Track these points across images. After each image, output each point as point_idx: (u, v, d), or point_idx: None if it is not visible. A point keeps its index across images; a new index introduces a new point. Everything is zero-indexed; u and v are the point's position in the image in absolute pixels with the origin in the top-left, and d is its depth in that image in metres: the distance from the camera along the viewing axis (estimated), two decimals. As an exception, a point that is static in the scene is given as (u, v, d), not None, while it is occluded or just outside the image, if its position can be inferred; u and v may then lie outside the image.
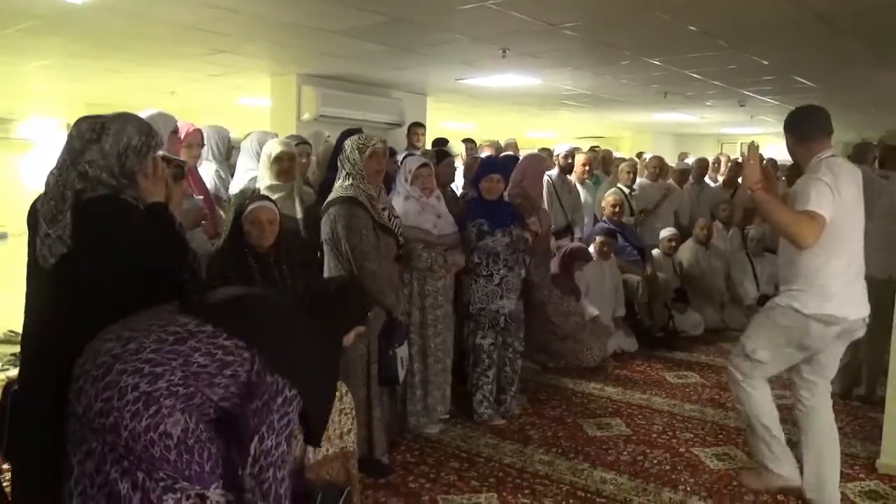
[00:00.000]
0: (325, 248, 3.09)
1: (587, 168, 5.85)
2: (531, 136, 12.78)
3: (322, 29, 4.69)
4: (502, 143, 6.92)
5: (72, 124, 2.08)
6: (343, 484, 2.46)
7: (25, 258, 2.04)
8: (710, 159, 7.56)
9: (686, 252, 5.96)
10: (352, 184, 3.04)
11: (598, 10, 4.11)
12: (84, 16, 4.41)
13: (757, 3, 3.86)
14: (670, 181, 6.52)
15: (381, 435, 3.12)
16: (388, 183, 3.50)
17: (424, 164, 3.48)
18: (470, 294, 3.64)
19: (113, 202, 1.98)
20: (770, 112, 8.59)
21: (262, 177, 3.53)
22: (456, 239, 3.52)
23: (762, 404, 2.77)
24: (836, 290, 2.54)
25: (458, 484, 3.01)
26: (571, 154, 5.64)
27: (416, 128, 6.11)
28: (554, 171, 5.44)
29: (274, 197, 3.36)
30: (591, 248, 5.04)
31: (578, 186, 5.72)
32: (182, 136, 3.48)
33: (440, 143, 5.83)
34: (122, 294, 1.94)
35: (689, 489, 3.00)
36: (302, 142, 4.25)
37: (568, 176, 5.61)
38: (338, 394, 2.39)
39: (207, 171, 3.92)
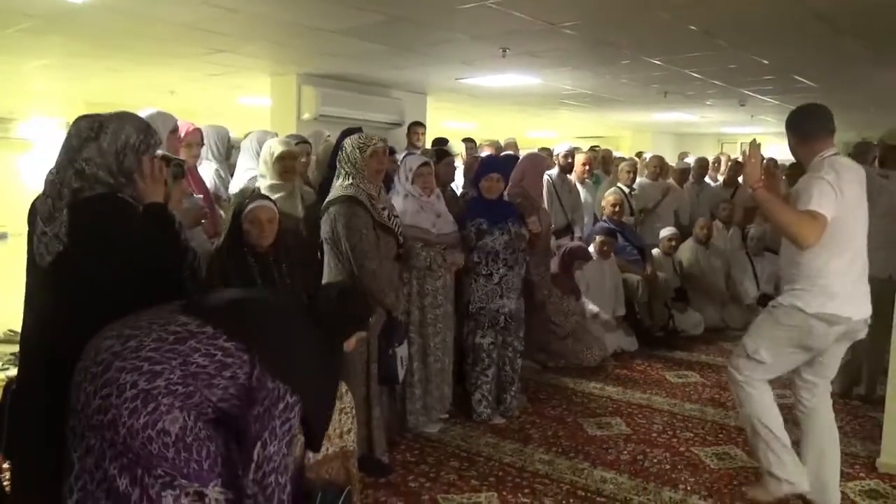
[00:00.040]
0: (325, 247, 3.09)
1: (587, 167, 5.86)
2: (531, 135, 12.77)
3: (322, 28, 4.69)
4: (502, 143, 6.92)
5: (71, 123, 2.08)
6: (343, 483, 2.45)
7: (25, 257, 2.04)
8: (711, 159, 7.56)
9: (686, 251, 5.96)
10: (352, 183, 3.05)
11: (599, 9, 4.11)
12: (83, 15, 4.41)
13: (757, 2, 3.86)
14: (670, 180, 6.52)
15: (381, 434, 3.12)
16: (387, 182, 3.51)
17: (425, 164, 3.48)
18: (470, 293, 3.64)
19: (110, 201, 1.98)
20: (770, 111, 8.59)
21: (264, 176, 3.53)
22: (455, 238, 3.52)
23: (763, 405, 2.70)
24: (839, 289, 2.51)
25: (458, 483, 3.01)
26: (571, 153, 5.65)
27: (416, 127, 6.12)
28: (554, 171, 5.45)
29: (276, 196, 3.38)
30: (591, 248, 5.04)
31: (578, 186, 5.72)
32: (182, 136, 3.48)
33: (440, 142, 5.83)
34: (121, 293, 1.93)
35: (689, 488, 3.00)
36: (302, 141, 4.26)
37: (568, 175, 5.62)
38: (338, 393, 2.39)
39: (207, 170, 3.91)
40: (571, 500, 2.88)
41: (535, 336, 4.34)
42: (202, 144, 3.76)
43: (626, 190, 5.88)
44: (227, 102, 8.76)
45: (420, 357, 3.40)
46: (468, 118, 10.76)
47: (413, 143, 6.00)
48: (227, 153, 4.22)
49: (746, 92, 7.15)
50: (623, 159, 6.66)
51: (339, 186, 3.08)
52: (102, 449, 1.71)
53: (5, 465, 2.46)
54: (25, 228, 2.04)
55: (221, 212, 3.70)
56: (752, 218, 6.24)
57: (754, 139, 2.70)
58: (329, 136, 4.73)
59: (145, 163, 2.05)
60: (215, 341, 1.79)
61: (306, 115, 6.46)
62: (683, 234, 6.05)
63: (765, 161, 2.69)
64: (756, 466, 2.93)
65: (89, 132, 2.00)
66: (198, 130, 3.69)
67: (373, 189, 3.08)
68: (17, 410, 2.01)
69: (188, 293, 2.15)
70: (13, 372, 3.58)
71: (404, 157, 3.70)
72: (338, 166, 3.14)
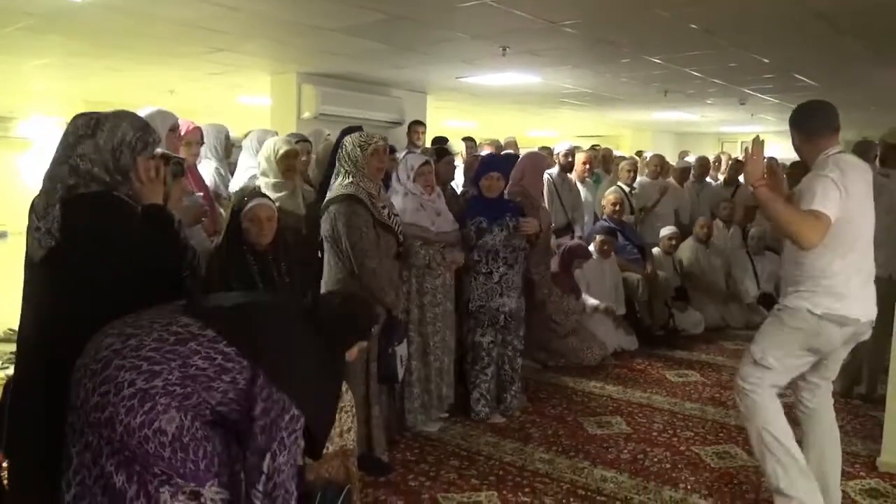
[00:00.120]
0: (326, 245, 3.09)
1: (587, 166, 5.85)
2: (532, 134, 12.76)
3: (322, 27, 4.68)
4: (502, 142, 6.92)
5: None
6: (343, 482, 2.45)
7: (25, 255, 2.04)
8: (711, 158, 7.56)
9: (686, 250, 5.96)
10: (352, 181, 3.04)
11: (599, 8, 4.11)
12: (83, 13, 4.40)
13: (757, 1, 3.86)
14: (670, 179, 6.52)
15: (381, 433, 3.11)
16: (385, 181, 3.50)
17: (426, 162, 3.48)
18: (469, 291, 3.64)
19: (107, 200, 1.97)
20: (770, 110, 8.58)
21: (265, 174, 3.53)
22: (455, 237, 3.52)
23: (770, 413, 2.58)
24: (845, 290, 2.45)
25: (458, 482, 3.00)
26: (572, 152, 5.65)
27: (417, 126, 6.12)
28: (554, 170, 5.44)
29: (280, 194, 3.39)
30: (592, 247, 5.04)
31: (579, 185, 5.72)
32: (181, 134, 3.48)
33: (439, 141, 5.83)
34: (121, 293, 1.92)
35: (689, 487, 3.00)
36: (302, 139, 4.26)
37: (568, 174, 5.61)
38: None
39: (207, 168, 3.92)
40: (572, 499, 2.88)
41: (535, 335, 4.33)
42: (202, 143, 3.77)
43: (627, 189, 5.88)
44: (227, 101, 8.76)
45: (419, 356, 3.40)
46: (468, 117, 10.76)
47: (413, 142, 6.00)
48: (228, 152, 4.22)
49: (747, 91, 7.15)
50: (623, 158, 6.67)
51: (338, 185, 3.08)
52: (100, 446, 1.71)
53: (4, 464, 2.46)
54: (25, 227, 2.04)
55: (221, 210, 3.70)
56: (752, 217, 6.24)
57: (757, 136, 2.63)
58: (329, 134, 4.72)
59: (140, 164, 2.04)
60: (216, 345, 1.78)
61: (306, 114, 6.46)
62: (684, 233, 6.05)
63: (766, 160, 2.64)
64: (756, 465, 2.92)
65: (86, 129, 1.99)
66: (197, 129, 3.69)
67: (373, 188, 3.08)
68: (17, 409, 2.01)
69: (188, 292, 2.15)
70: (13, 371, 3.57)
71: (405, 156, 3.71)
72: (337, 165, 3.14)
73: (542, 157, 4.71)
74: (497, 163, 3.99)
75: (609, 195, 5.54)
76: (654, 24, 4.38)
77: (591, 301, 4.87)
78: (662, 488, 2.98)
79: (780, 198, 2.51)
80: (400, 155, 4.06)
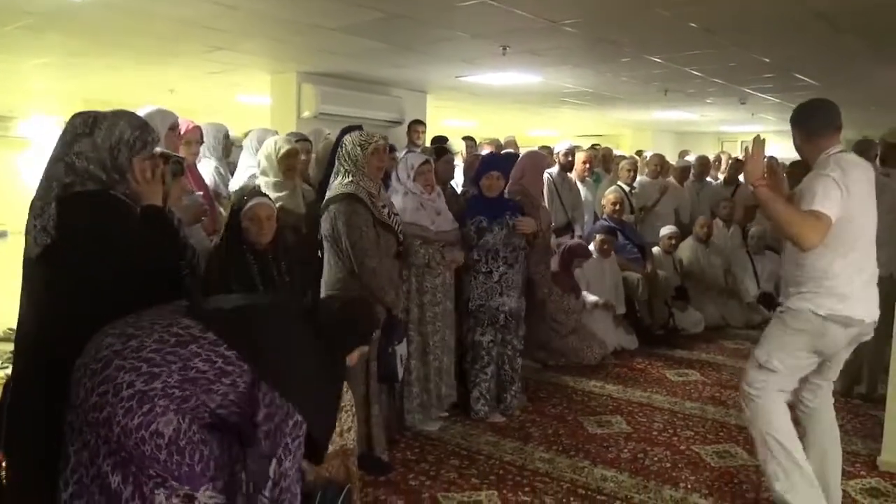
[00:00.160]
0: (325, 244, 3.08)
1: (587, 166, 5.85)
2: (532, 134, 12.76)
3: (321, 26, 4.68)
4: (502, 141, 6.92)
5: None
6: (343, 481, 2.45)
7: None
8: (711, 157, 7.55)
9: (686, 250, 5.96)
10: (352, 181, 3.04)
11: (599, 7, 4.10)
12: (83, 12, 4.40)
13: (758, 0, 3.85)
14: (670, 178, 6.52)
15: (381, 432, 3.11)
16: (386, 180, 3.50)
17: (426, 162, 3.48)
18: (469, 291, 3.64)
19: (104, 199, 1.96)
20: (771, 110, 8.58)
21: (265, 174, 3.53)
22: (455, 236, 3.52)
23: (775, 417, 2.54)
24: (848, 291, 2.42)
25: (458, 481, 3.00)
26: (572, 152, 5.65)
27: (417, 125, 6.12)
28: (554, 169, 5.44)
29: (280, 193, 3.39)
30: (592, 246, 5.04)
31: (579, 184, 5.72)
32: (181, 133, 3.47)
33: (439, 140, 5.83)
34: (120, 293, 1.91)
35: (689, 487, 3.00)
36: (302, 139, 4.26)
37: (568, 174, 5.61)
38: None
39: (206, 167, 3.91)
40: (572, 499, 2.87)
41: (535, 334, 4.33)
42: (201, 142, 3.77)
43: (627, 188, 5.88)
44: (227, 101, 8.75)
45: (419, 355, 3.39)
46: (468, 116, 10.75)
47: (413, 141, 6.00)
48: (227, 151, 4.22)
49: (747, 90, 7.14)
50: (623, 157, 6.66)
51: (338, 184, 3.07)
52: (97, 445, 1.70)
53: (3, 463, 2.45)
54: (25, 227, 2.03)
55: (221, 209, 3.70)
56: (752, 216, 6.24)
57: (758, 135, 2.61)
58: (329, 134, 4.72)
59: (136, 165, 2.02)
60: (217, 348, 1.78)
61: (306, 114, 6.45)
62: (684, 232, 6.05)
63: (766, 159, 2.63)
64: (757, 465, 2.91)
65: (84, 127, 1.98)
66: (197, 128, 3.69)
67: (373, 187, 3.08)
68: (16, 407, 2.00)
69: (188, 291, 2.14)
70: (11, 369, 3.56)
71: (405, 155, 3.71)
72: (337, 164, 3.14)
73: (542, 157, 4.70)
74: (497, 162, 3.98)
75: (609, 194, 5.53)
76: (655, 23, 4.37)
77: (591, 297, 4.87)
78: (662, 487, 2.98)
79: (780, 198, 2.48)
80: (400, 154, 4.06)
